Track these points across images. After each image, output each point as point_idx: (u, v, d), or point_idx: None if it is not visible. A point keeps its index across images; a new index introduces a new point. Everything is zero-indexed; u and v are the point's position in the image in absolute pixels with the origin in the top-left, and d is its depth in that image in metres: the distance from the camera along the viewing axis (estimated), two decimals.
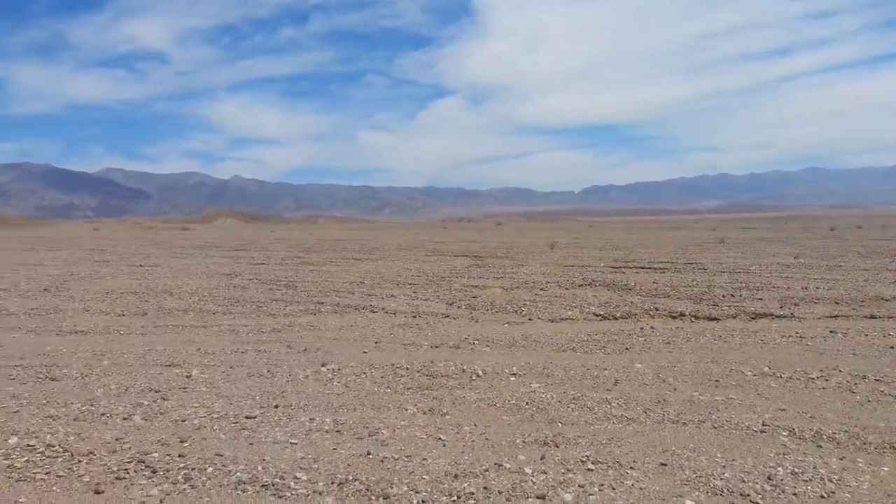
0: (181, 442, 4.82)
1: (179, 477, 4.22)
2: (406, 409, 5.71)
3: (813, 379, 6.69)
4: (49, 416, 5.40)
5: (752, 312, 11.00)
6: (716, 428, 5.23)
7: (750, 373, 6.91)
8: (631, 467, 4.41)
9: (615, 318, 10.81)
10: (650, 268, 18.32)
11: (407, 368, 7.12)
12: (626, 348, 8.39)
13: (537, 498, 3.96)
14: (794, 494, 4.02)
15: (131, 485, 4.12)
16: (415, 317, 11.01)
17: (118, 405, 5.72)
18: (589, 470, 4.36)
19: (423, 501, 3.93)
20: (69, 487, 4.10)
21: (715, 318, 10.67)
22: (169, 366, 7.32)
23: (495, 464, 4.45)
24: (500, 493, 4.02)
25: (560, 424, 5.34)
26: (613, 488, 4.08)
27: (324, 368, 7.09)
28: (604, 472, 4.34)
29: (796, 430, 5.15)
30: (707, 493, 4.05)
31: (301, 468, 4.36)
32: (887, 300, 11.70)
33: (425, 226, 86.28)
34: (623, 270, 17.70)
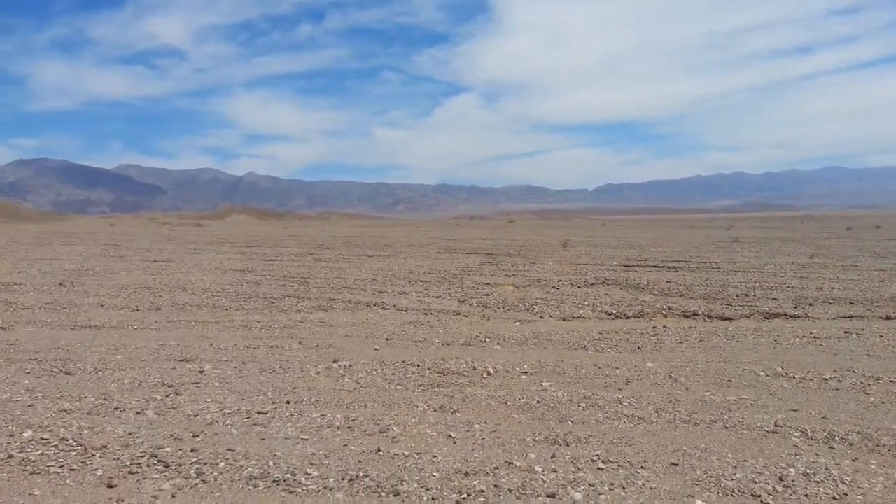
0: (193, 437, 4.86)
1: (191, 471, 4.25)
2: (417, 406, 5.72)
3: (826, 380, 6.63)
4: (63, 410, 5.46)
5: (765, 312, 10.93)
6: (727, 428, 5.20)
7: (762, 373, 6.87)
8: (642, 467, 4.39)
9: (627, 317, 10.78)
10: (663, 267, 18.24)
11: (418, 365, 7.13)
12: (638, 347, 8.36)
13: (547, 496, 3.95)
14: (806, 496, 3.99)
15: (144, 479, 4.15)
16: (426, 314, 11.03)
17: (131, 400, 5.77)
18: (599, 469, 4.35)
19: (433, 499, 3.93)
20: (82, 481, 4.14)
21: (728, 318, 10.61)
22: (182, 361, 7.37)
23: (505, 462, 4.44)
24: (510, 491, 4.02)
25: (571, 423, 5.33)
26: (624, 488, 4.07)
27: (335, 365, 7.11)
28: (614, 471, 4.32)
29: (809, 431, 5.11)
30: (718, 493, 4.03)
31: (312, 464, 4.37)
32: None
33: (438, 223, 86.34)
34: (636, 269, 17.64)
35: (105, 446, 4.62)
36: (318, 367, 7.07)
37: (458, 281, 15.32)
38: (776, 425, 5.22)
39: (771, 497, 3.97)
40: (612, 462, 4.46)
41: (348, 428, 5.12)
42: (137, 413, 5.43)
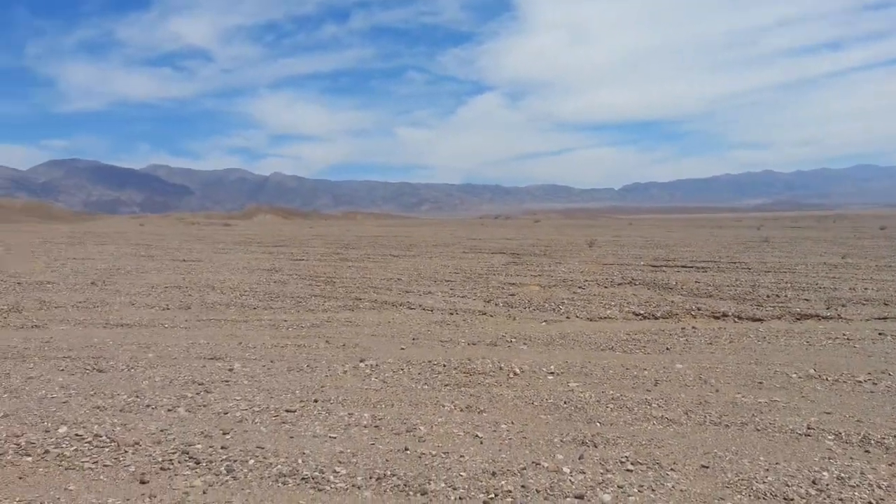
0: (223, 434, 4.91)
1: (222, 468, 4.30)
2: (443, 406, 5.72)
3: (860, 382, 6.50)
4: (96, 407, 5.55)
5: (797, 313, 10.76)
6: (759, 430, 5.13)
7: (794, 375, 6.75)
8: (671, 469, 4.35)
9: (655, 318, 10.68)
10: (692, 267, 18.03)
11: (444, 365, 7.13)
12: (667, 348, 8.27)
13: (576, 497, 3.93)
14: (840, 500, 3.91)
15: (175, 475, 4.21)
16: (452, 314, 11.03)
17: (163, 397, 5.86)
18: (628, 471, 4.31)
19: (460, 498, 3.93)
20: (115, 477, 4.21)
21: (759, 319, 10.46)
22: (212, 359, 7.46)
23: (533, 462, 4.43)
24: (537, 491, 4.00)
25: (599, 424, 5.29)
26: (653, 490, 4.03)
27: (362, 364, 7.14)
28: (643, 473, 4.29)
29: (843, 434, 5.02)
30: (749, 496, 3.97)
31: (340, 462, 4.40)
32: None
33: (463, 223, 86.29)
34: (664, 269, 17.47)
35: (137, 443, 4.69)
36: (344, 366, 7.11)
37: (483, 281, 15.30)
38: (809, 428, 5.13)
39: (804, 501, 3.91)
40: (641, 464, 4.42)
41: (375, 427, 5.15)
42: (169, 410, 5.50)
